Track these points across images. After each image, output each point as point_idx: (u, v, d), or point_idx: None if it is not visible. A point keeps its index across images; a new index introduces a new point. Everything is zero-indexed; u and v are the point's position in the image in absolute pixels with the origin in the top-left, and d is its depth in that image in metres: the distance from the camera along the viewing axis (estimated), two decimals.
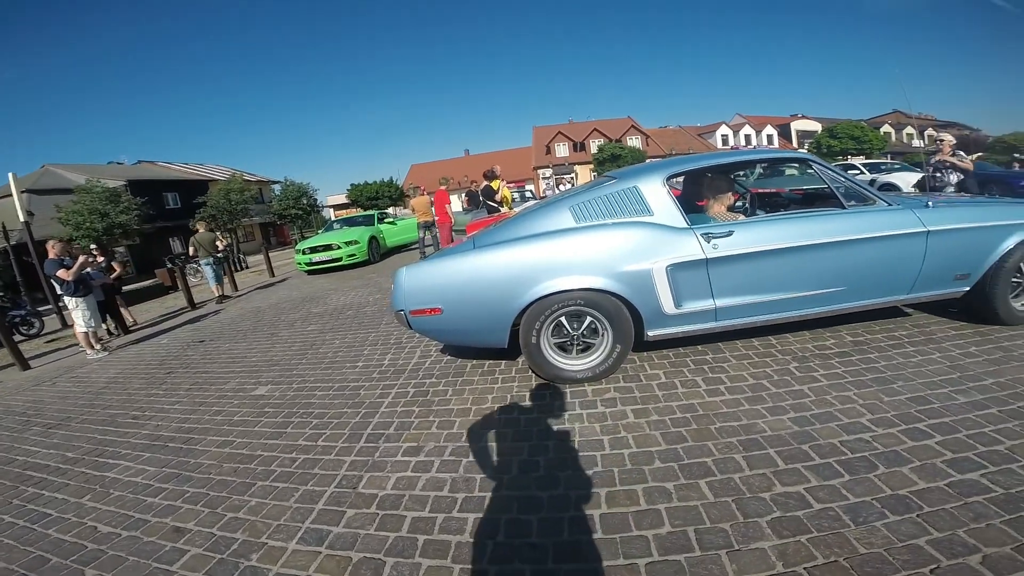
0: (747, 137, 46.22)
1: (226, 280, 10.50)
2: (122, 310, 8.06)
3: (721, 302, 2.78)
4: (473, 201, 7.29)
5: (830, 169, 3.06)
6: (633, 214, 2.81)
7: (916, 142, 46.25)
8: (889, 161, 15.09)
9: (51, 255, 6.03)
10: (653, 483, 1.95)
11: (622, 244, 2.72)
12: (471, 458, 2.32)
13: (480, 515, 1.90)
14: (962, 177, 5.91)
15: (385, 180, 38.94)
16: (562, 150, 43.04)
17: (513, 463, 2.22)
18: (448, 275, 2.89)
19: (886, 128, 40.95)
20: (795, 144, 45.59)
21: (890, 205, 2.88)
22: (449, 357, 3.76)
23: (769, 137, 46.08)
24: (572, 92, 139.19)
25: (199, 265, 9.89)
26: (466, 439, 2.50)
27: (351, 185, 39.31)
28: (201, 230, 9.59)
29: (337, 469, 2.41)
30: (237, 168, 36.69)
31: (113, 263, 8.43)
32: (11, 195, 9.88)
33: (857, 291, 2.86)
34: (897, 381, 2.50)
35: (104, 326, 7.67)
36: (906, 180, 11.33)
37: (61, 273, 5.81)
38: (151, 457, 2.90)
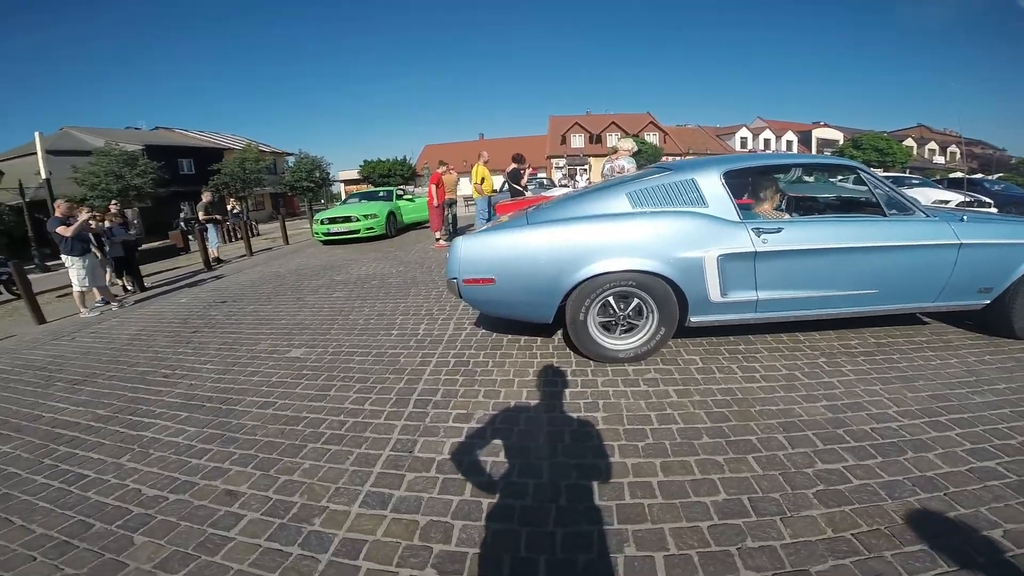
0: (766, 142, 45.72)
1: (240, 243, 10.79)
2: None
3: (763, 294, 2.84)
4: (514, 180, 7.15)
5: (876, 178, 3.10)
6: (689, 204, 2.86)
7: (937, 158, 45.72)
8: (909, 175, 14.92)
9: (56, 214, 6.09)
10: (704, 456, 2.03)
11: (678, 232, 2.76)
12: (522, 426, 2.35)
13: (540, 480, 1.94)
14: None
15: (398, 159, 38.81)
16: (578, 141, 42.62)
17: (565, 433, 2.27)
18: (504, 248, 2.93)
19: (908, 142, 40.28)
20: (814, 152, 45.06)
21: (928, 216, 2.96)
22: (484, 330, 3.81)
23: (789, 143, 45.52)
24: (591, 84, 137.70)
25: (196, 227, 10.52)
26: (514, 409, 2.54)
27: (364, 161, 39.25)
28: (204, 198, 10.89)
29: (389, 433, 2.39)
30: (252, 139, 36.58)
31: None
32: (24, 156, 10.06)
33: (888, 295, 2.94)
34: (919, 380, 2.62)
35: (120, 282, 7.78)
36: (927, 196, 11.20)
37: (60, 229, 5.84)
38: (189, 417, 2.77)
